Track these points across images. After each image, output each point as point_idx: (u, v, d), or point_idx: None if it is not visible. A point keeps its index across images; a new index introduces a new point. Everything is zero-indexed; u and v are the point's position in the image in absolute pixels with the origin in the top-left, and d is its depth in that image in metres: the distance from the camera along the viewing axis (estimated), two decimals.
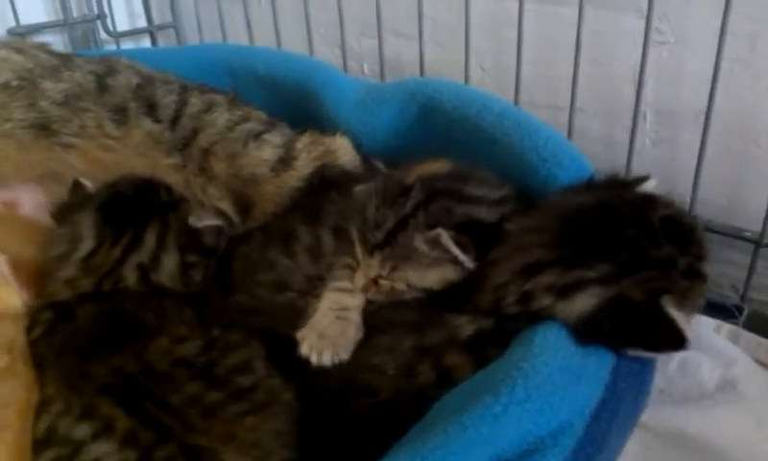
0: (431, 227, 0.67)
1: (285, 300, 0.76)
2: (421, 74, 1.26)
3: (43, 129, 0.94)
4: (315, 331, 0.67)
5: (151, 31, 1.72)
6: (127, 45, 1.69)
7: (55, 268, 0.75)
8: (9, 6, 1.47)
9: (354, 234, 0.74)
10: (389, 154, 1.06)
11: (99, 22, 1.61)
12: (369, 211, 0.70)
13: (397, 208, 0.69)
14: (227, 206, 0.96)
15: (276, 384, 0.64)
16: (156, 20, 1.73)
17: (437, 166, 0.72)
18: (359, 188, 0.77)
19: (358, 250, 0.74)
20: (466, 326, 0.64)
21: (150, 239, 0.77)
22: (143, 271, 0.76)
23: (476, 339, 0.64)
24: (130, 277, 0.75)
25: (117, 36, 1.63)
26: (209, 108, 1.04)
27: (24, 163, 0.90)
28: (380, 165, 1.02)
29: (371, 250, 0.70)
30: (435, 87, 1.00)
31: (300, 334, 0.67)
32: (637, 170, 1.03)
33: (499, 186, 0.73)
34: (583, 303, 0.61)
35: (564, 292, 0.61)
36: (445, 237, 0.65)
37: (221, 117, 1.02)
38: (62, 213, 0.80)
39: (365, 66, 1.45)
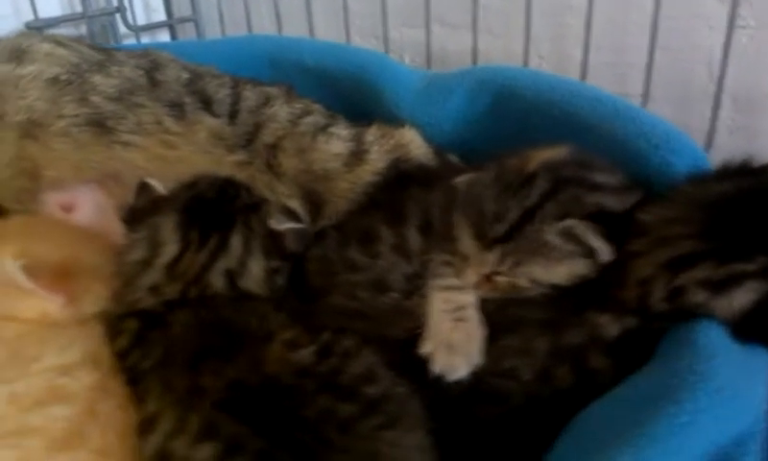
0: (560, 218, 0.62)
1: (389, 301, 0.70)
2: (475, 63, 1.20)
3: (99, 126, 0.87)
4: (441, 343, 0.61)
5: (171, 24, 1.65)
6: (144, 40, 1.61)
7: (135, 274, 0.69)
8: None
9: (462, 228, 0.69)
10: (456, 145, 1.01)
11: (118, 16, 1.53)
12: (485, 203, 0.65)
13: (521, 199, 0.63)
14: (295, 204, 0.90)
15: (403, 393, 0.58)
16: (175, 14, 1.65)
17: (556, 152, 0.67)
18: (462, 179, 0.72)
19: (466, 245, 0.68)
20: (610, 324, 0.59)
21: (236, 244, 0.71)
22: (230, 277, 0.69)
23: (622, 339, 0.58)
24: (217, 283, 0.69)
25: (137, 30, 1.55)
26: (267, 101, 0.98)
27: (84, 163, 0.84)
28: (454, 158, 0.97)
29: (489, 244, 0.65)
30: (509, 75, 0.95)
31: (424, 349, 0.62)
32: (713, 158, 0.99)
33: (618, 173, 0.68)
34: (741, 298, 0.56)
35: (721, 287, 0.56)
36: (582, 228, 0.60)
37: (281, 111, 0.96)
38: (135, 217, 0.73)
39: (405, 57, 1.39)
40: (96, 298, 0.71)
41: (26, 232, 0.73)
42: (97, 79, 0.92)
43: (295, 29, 1.48)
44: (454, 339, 0.61)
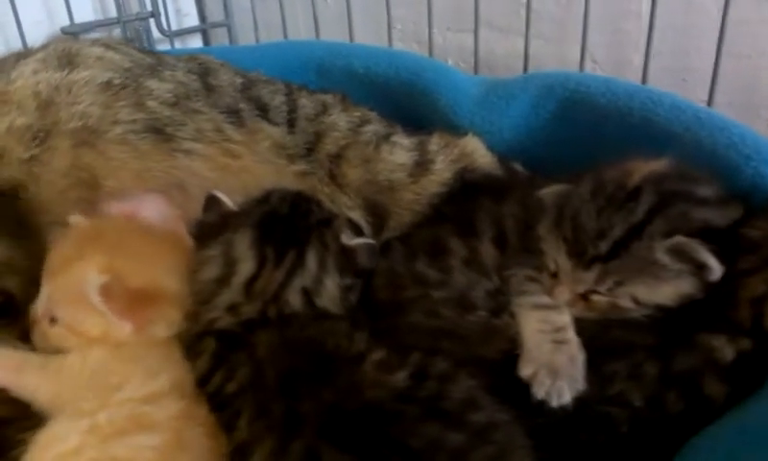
0: (668, 234, 0.59)
1: (477, 319, 0.67)
2: (526, 69, 1.18)
3: (159, 133, 0.84)
4: (543, 366, 0.58)
5: (204, 29, 1.62)
6: (177, 46, 1.59)
7: (211, 292, 0.66)
8: (63, 4, 1.36)
9: (553, 244, 0.65)
10: (517, 153, 0.98)
11: (152, 21, 1.50)
12: (584, 218, 0.62)
13: (627, 214, 0.60)
14: (357, 216, 0.86)
15: (506, 419, 0.55)
16: (208, 19, 1.62)
17: (658, 164, 0.63)
18: (548, 192, 0.69)
19: (559, 261, 0.65)
20: (725, 347, 0.56)
21: (311, 261, 0.67)
22: (307, 296, 0.66)
23: (738, 362, 0.55)
24: (294, 302, 0.66)
25: (171, 36, 1.53)
26: (324, 109, 0.95)
27: (146, 173, 0.80)
28: (519, 167, 0.93)
29: (588, 262, 0.61)
30: (579, 80, 0.93)
31: (525, 372, 0.59)
32: None
33: (716, 186, 0.65)
34: None
35: None
36: (693, 246, 0.57)
37: (340, 119, 0.93)
38: (205, 232, 0.70)
39: (449, 62, 1.36)
40: (168, 324, 0.67)
41: (119, 244, 0.69)
42: (152, 83, 0.89)
43: (332, 34, 1.45)
44: (557, 362, 0.58)
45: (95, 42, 0.97)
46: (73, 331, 0.65)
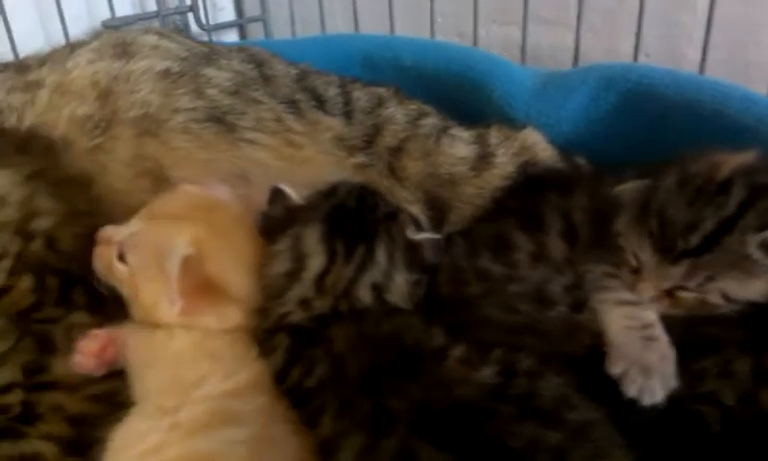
0: (760, 229, 0.57)
1: (558, 315, 0.65)
2: (576, 62, 1.15)
3: (220, 122, 0.83)
4: (633, 364, 0.57)
5: (241, 24, 1.61)
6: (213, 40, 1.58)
7: (282, 287, 0.65)
8: None
9: (635, 239, 0.64)
10: (575, 146, 0.96)
11: (191, 15, 1.49)
12: (673, 212, 0.60)
13: (717, 208, 0.58)
14: (417, 210, 0.85)
15: (600, 417, 0.53)
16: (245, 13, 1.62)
17: (746, 157, 0.62)
18: (628, 187, 0.67)
19: (643, 257, 0.63)
20: None
21: (381, 255, 0.66)
22: (377, 291, 0.65)
23: None
24: (365, 297, 0.65)
25: (209, 30, 1.51)
26: (381, 102, 0.93)
27: (211, 163, 0.80)
28: (581, 160, 0.92)
29: (676, 257, 0.59)
30: (641, 72, 0.91)
31: (615, 370, 0.57)
32: None
33: None
34: None
35: None
36: None
37: (397, 112, 0.91)
38: (273, 227, 0.69)
39: None
40: (218, 319, 0.66)
41: (219, 227, 0.68)
42: (209, 71, 0.88)
43: (371, 29, 1.44)
44: (647, 359, 0.57)
45: (148, 31, 0.97)
46: (131, 282, 0.65)
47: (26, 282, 0.65)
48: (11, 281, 0.66)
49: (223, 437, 0.53)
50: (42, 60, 0.93)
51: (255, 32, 1.67)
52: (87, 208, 0.74)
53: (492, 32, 1.32)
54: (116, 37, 0.92)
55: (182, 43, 0.94)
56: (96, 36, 0.98)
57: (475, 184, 0.84)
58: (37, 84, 0.87)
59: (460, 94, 1.05)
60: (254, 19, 1.62)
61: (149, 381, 0.60)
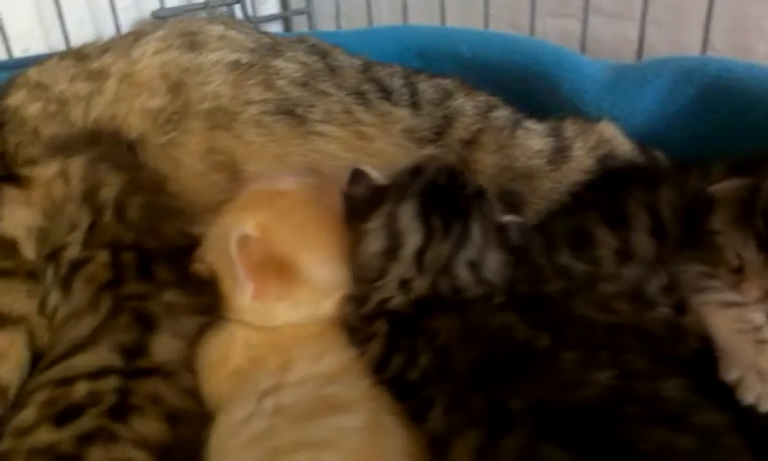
0: None
1: (660, 316, 0.63)
2: (640, 56, 1.13)
3: (291, 115, 0.81)
4: (749, 369, 0.55)
5: (286, 16, 1.60)
6: None
7: (380, 268, 0.63)
8: None
9: (737, 238, 0.61)
10: (648, 141, 0.93)
11: (238, 6, 1.48)
12: None
13: None
14: None
15: (727, 423, 0.51)
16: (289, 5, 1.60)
17: None
18: (724, 186, 0.65)
19: (746, 256, 0.61)
20: None
21: (476, 233, 0.65)
22: (474, 269, 0.63)
23: None
24: (463, 275, 0.63)
25: (256, 22, 1.50)
26: (448, 94, 0.91)
27: (286, 158, 0.78)
28: (660, 155, 0.89)
29: None
30: (721, 65, 0.88)
31: (730, 377, 0.55)
32: None
33: None
34: None
35: None
36: None
37: (466, 104, 0.89)
38: (359, 206, 0.67)
39: None
40: (292, 307, 0.64)
41: (286, 209, 0.67)
42: (278, 63, 0.87)
43: (421, 21, 1.42)
44: (763, 364, 0.55)
45: (213, 21, 0.95)
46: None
47: (102, 256, 0.64)
48: (86, 253, 0.65)
49: (334, 424, 0.51)
50: (103, 49, 0.92)
51: (299, 25, 1.66)
52: (150, 180, 0.73)
53: (548, 24, 1.30)
54: (182, 27, 0.91)
55: (248, 33, 0.92)
56: (161, 24, 0.97)
57: (552, 178, 0.81)
58: (102, 74, 0.86)
59: (524, 87, 1.02)
60: (299, 12, 1.60)
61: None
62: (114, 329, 0.60)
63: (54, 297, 0.65)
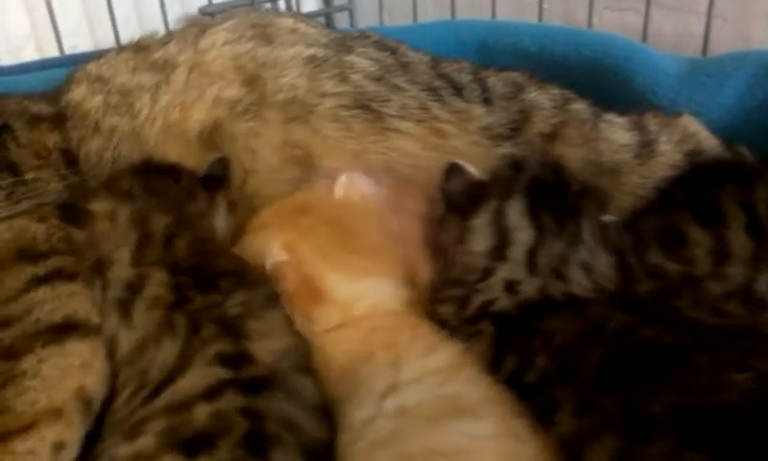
0: None
1: None
2: (705, 51, 1.10)
3: (367, 109, 0.79)
4: None
5: (328, 13, 1.57)
6: None
7: (486, 268, 0.61)
8: None
9: None
10: (727, 136, 0.90)
11: (282, 2, 1.46)
12: None
13: None
14: None
15: None
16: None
17: None
18: None
19: None
20: None
21: (587, 233, 0.62)
22: (588, 271, 0.60)
23: None
24: (577, 278, 0.60)
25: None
26: (520, 87, 0.88)
27: (363, 154, 0.76)
28: (744, 150, 0.86)
29: None
30: None
31: None
32: None
33: None
34: None
35: None
36: None
37: (541, 97, 0.86)
38: (459, 202, 0.65)
39: None
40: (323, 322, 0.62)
41: (309, 227, 0.66)
42: (351, 58, 0.85)
43: (469, 17, 1.39)
44: None
45: (280, 14, 0.93)
46: None
47: (160, 275, 0.60)
48: (139, 271, 0.61)
49: (465, 430, 0.48)
50: (164, 41, 0.91)
51: (341, 21, 1.64)
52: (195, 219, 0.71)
53: (605, 18, 1.27)
54: (251, 19, 0.89)
55: (318, 27, 0.91)
56: (230, 15, 0.95)
57: (640, 173, 0.79)
58: (168, 64, 0.85)
59: (593, 81, 1.00)
60: (341, 9, 1.58)
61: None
62: (203, 344, 0.55)
63: (113, 321, 0.59)
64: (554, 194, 0.64)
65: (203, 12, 1.35)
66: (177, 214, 0.66)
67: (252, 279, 0.61)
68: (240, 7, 1.40)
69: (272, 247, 0.63)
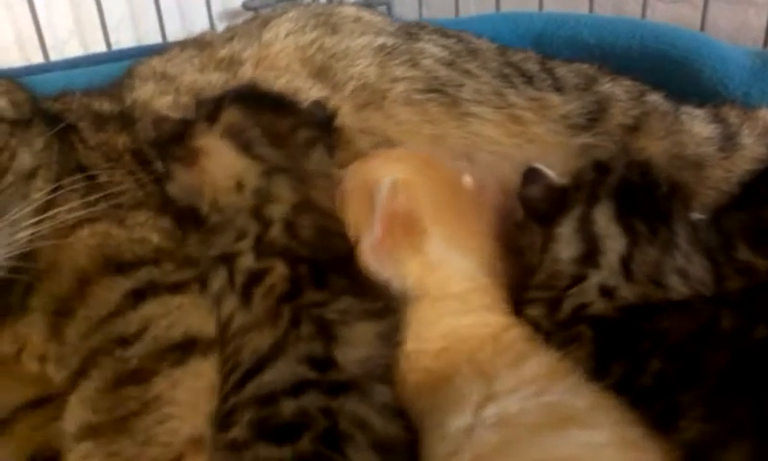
0: None
1: None
2: (766, 44, 1.07)
3: (442, 93, 0.77)
4: None
5: (369, 5, 1.55)
6: None
7: (576, 274, 0.58)
8: None
9: None
10: None
11: None
12: None
13: None
14: None
15: None
16: None
17: None
18: None
19: None
20: None
21: (681, 237, 0.59)
22: (685, 277, 0.57)
23: None
24: (675, 285, 0.57)
25: None
26: (592, 78, 0.86)
27: (441, 140, 0.74)
28: None
29: None
30: None
31: None
32: None
33: None
34: None
35: None
36: None
37: (616, 88, 0.84)
38: (540, 209, 0.62)
39: None
40: (407, 274, 0.60)
41: (432, 179, 0.65)
42: (420, 45, 0.83)
43: (514, 9, 1.36)
44: None
45: (342, 4, 0.91)
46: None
47: (281, 267, 0.59)
48: (262, 264, 0.60)
49: (578, 439, 0.46)
50: (228, 36, 0.89)
51: None
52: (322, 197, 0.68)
53: (657, 10, 1.24)
54: (313, 9, 0.87)
55: (381, 15, 0.88)
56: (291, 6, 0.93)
57: (724, 167, 0.76)
58: (234, 61, 0.83)
59: (658, 74, 0.96)
60: (380, 2, 1.55)
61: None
62: (297, 340, 0.55)
63: (230, 303, 0.59)
64: (644, 197, 0.60)
65: (246, 6, 1.33)
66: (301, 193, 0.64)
67: (361, 285, 0.60)
68: (282, 1, 1.39)
69: (391, 174, 0.62)
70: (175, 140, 0.66)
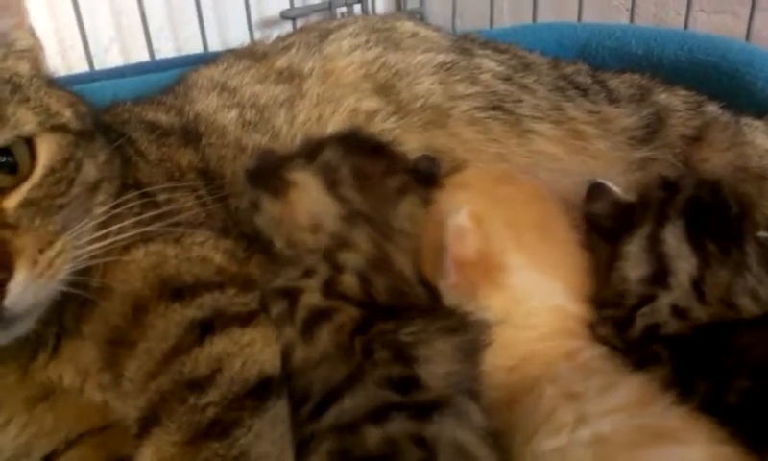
0: None
1: None
2: None
3: (501, 110, 0.76)
4: None
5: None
6: None
7: (645, 295, 0.58)
8: None
9: None
10: None
11: (358, 6, 1.44)
12: None
13: None
14: None
15: None
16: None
17: None
18: None
19: None
20: None
21: (752, 257, 0.59)
22: (756, 299, 0.57)
23: None
24: (746, 305, 0.58)
25: None
26: (646, 89, 0.85)
27: (505, 157, 0.73)
28: None
29: None
30: None
31: None
32: None
33: None
34: None
35: None
36: None
37: (672, 99, 0.83)
38: (606, 226, 0.62)
39: None
40: (492, 312, 0.58)
41: (508, 199, 0.63)
42: (477, 60, 0.82)
43: (551, 20, 1.36)
44: None
45: (398, 18, 0.91)
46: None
47: (352, 311, 0.56)
48: (330, 304, 0.57)
49: (673, 456, 0.46)
50: (284, 45, 0.88)
51: None
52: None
53: (699, 20, 1.24)
54: (372, 23, 0.87)
55: (436, 30, 0.88)
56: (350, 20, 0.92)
57: None
58: (294, 73, 0.82)
59: (708, 86, 0.96)
60: (413, 12, 1.56)
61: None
62: (373, 368, 0.52)
63: (288, 334, 0.56)
64: (715, 217, 0.60)
65: (284, 15, 1.33)
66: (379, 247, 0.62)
67: (431, 308, 0.58)
68: (319, 11, 1.40)
69: (460, 211, 0.59)
70: (272, 172, 0.65)
